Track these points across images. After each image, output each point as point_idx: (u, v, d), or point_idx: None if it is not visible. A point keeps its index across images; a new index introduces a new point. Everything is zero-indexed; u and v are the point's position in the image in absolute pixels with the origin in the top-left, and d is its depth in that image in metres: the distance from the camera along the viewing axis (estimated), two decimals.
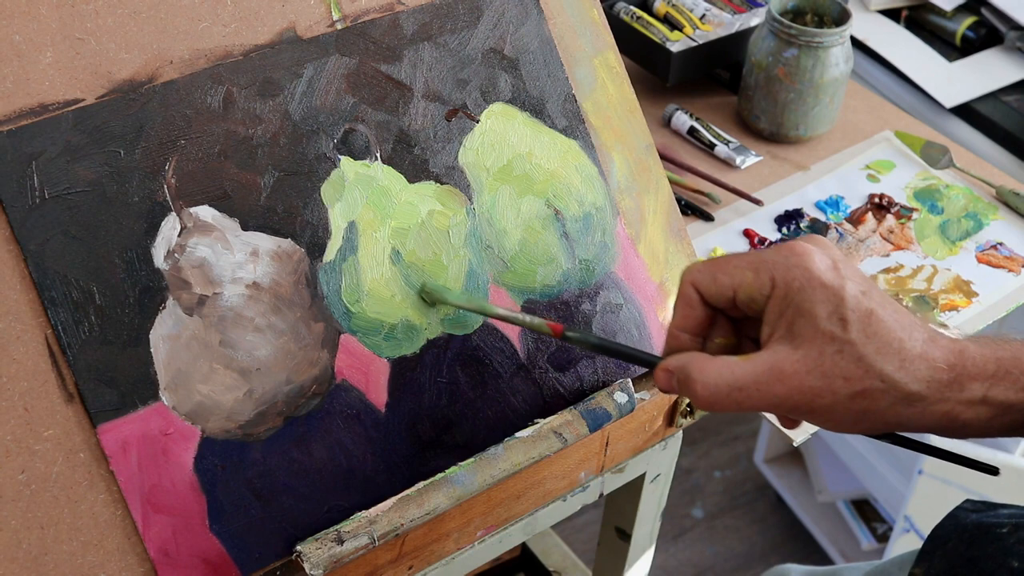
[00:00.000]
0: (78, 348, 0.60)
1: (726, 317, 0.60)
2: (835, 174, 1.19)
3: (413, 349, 0.69)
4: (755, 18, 1.27)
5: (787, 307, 0.54)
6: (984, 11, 1.44)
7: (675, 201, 0.81)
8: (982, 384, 0.54)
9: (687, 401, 0.80)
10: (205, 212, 0.64)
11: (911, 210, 1.14)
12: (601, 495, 0.85)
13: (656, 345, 0.78)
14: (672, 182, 1.14)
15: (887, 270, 1.08)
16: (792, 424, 0.64)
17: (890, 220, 1.13)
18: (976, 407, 0.54)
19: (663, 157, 1.17)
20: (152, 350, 0.62)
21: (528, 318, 0.66)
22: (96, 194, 0.61)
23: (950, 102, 1.36)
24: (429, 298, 0.70)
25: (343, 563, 0.63)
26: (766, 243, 1.10)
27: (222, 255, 0.64)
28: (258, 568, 0.64)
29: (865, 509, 1.78)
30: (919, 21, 1.48)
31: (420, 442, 0.69)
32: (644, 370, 0.77)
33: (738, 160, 1.19)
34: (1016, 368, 0.54)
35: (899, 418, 0.54)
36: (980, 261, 1.09)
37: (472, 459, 0.68)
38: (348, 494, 0.67)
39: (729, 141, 1.21)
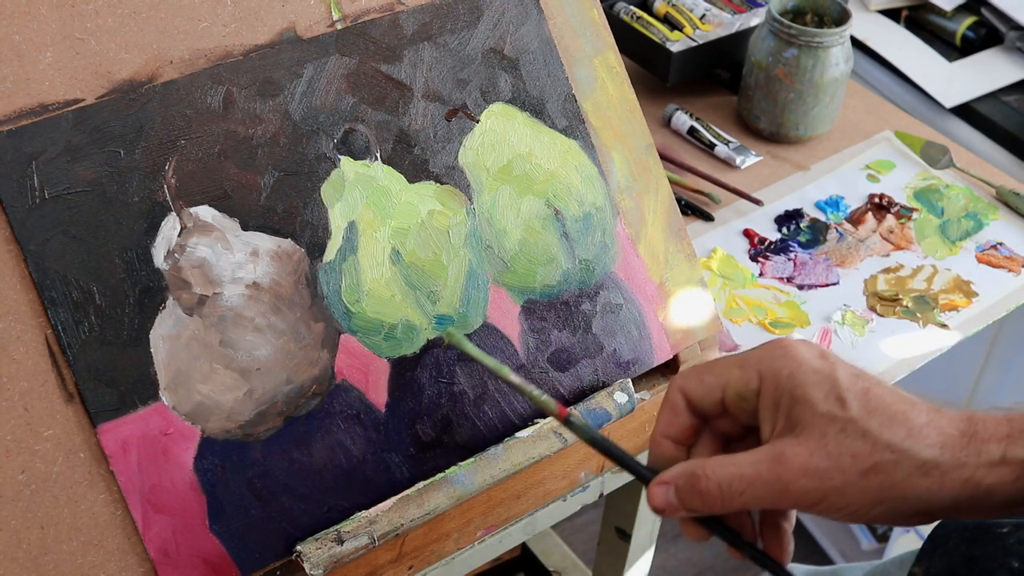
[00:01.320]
0: (78, 348, 0.60)
1: (712, 436, 0.57)
2: (835, 174, 1.19)
3: (413, 349, 0.69)
4: (755, 18, 1.27)
5: (780, 396, 0.52)
6: (984, 11, 1.44)
7: (675, 201, 0.81)
8: (998, 444, 0.51)
9: None
10: (205, 212, 0.64)
11: (911, 210, 1.14)
12: (601, 495, 0.85)
13: (656, 346, 0.78)
14: (672, 182, 1.14)
15: (887, 270, 1.08)
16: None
17: (890, 220, 1.13)
18: (998, 468, 0.51)
19: (663, 157, 1.17)
20: (152, 350, 0.62)
21: (538, 393, 0.61)
22: (96, 194, 0.61)
23: (950, 102, 1.36)
24: (449, 342, 0.69)
25: (343, 563, 0.63)
26: (766, 243, 1.10)
27: (222, 255, 0.64)
28: (258, 568, 0.64)
29: None
30: (919, 21, 1.48)
31: (420, 442, 0.69)
32: (643, 370, 0.77)
33: (738, 160, 1.19)
34: None
35: (917, 491, 0.51)
36: (980, 261, 1.09)
37: (472, 459, 0.68)
38: (348, 494, 0.67)
39: (729, 141, 1.21)
